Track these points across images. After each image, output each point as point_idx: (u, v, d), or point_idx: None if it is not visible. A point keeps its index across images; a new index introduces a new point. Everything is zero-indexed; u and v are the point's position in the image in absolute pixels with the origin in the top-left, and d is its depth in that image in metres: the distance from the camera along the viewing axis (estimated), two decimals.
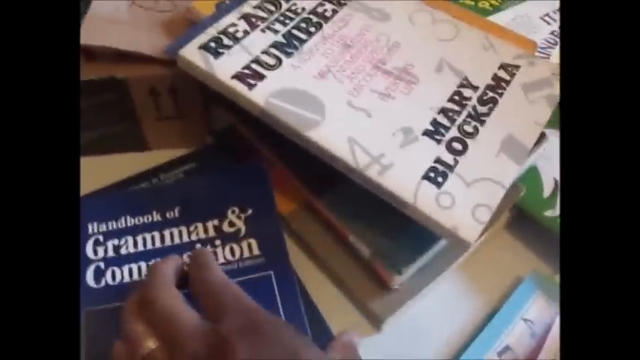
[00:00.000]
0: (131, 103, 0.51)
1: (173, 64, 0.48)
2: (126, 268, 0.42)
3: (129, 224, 0.44)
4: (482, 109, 0.45)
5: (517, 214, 0.50)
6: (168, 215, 0.45)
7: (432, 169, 0.41)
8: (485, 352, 0.43)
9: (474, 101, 0.45)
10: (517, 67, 0.48)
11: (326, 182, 0.46)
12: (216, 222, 0.45)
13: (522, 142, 0.44)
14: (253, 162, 0.50)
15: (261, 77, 0.44)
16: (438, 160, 0.42)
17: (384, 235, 0.44)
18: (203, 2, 0.51)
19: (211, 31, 0.47)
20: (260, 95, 0.43)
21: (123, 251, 0.43)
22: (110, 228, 0.44)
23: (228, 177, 0.47)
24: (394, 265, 0.43)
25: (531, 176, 0.50)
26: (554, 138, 0.48)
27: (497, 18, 0.56)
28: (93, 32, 0.50)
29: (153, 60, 0.49)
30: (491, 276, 0.48)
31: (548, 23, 0.58)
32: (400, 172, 0.41)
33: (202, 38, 0.46)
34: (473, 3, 0.58)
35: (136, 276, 0.42)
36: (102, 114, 0.51)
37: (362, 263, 0.45)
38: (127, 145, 0.54)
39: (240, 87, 0.44)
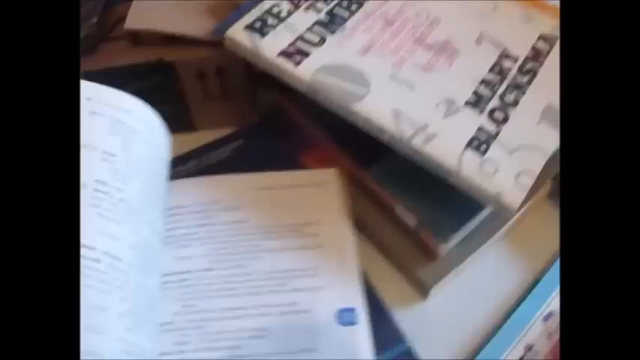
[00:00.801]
0: (179, 86, 0.52)
1: (219, 46, 0.50)
2: None
3: None
4: (522, 80, 0.46)
5: (559, 185, 0.51)
6: None
7: (475, 137, 0.42)
8: (530, 317, 0.44)
9: (514, 72, 0.46)
10: (556, 37, 0.48)
11: (371, 155, 0.47)
12: None
13: None
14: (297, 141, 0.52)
15: (306, 54, 0.46)
16: (480, 129, 0.43)
17: (430, 204, 0.45)
18: None
19: (256, 12, 0.49)
20: (306, 71, 0.45)
21: None
22: None
23: None
24: (440, 233, 0.44)
25: None
26: None
27: None
28: (139, 17, 0.52)
29: (199, 42, 0.51)
30: (534, 245, 0.49)
31: None
32: (444, 141, 0.42)
33: (247, 19, 0.48)
34: None
35: None
36: (150, 97, 0.53)
37: (408, 232, 0.46)
38: (174, 126, 0.55)
39: (286, 64, 0.45)
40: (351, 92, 0.44)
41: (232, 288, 0.42)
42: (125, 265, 0.36)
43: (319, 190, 0.47)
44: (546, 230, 0.49)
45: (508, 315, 0.45)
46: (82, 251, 0.34)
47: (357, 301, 0.42)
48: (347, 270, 0.43)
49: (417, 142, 0.42)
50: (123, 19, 0.54)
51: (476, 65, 0.46)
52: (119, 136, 0.40)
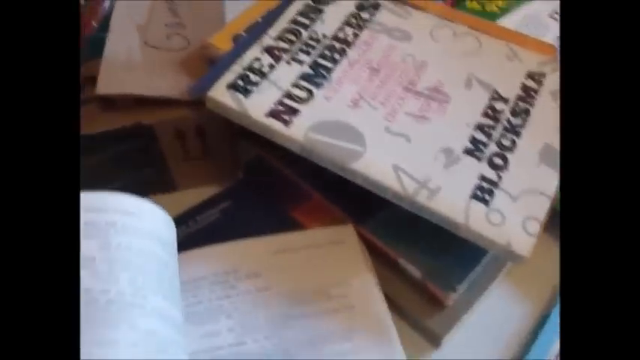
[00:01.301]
0: (158, 147, 0.50)
1: (197, 105, 0.48)
2: None
3: None
4: (516, 121, 0.45)
5: (554, 215, 0.51)
6: None
7: (478, 187, 0.41)
8: (545, 356, 0.44)
9: (507, 114, 0.46)
10: (543, 74, 0.48)
11: (366, 208, 0.46)
12: None
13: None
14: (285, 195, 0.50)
15: (295, 112, 0.44)
16: (482, 178, 0.42)
17: (433, 254, 0.44)
18: (218, 37, 0.50)
19: (236, 69, 0.46)
20: (298, 131, 0.43)
21: None
22: None
23: None
24: (448, 283, 0.43)
25: None
26: None
27: (508, 21, 0.57)
28: (110, 81, 0.49)
29: (175, 102, 0.48)
30: (536, 279, 0.48)
31: (557, 20, 0.58)
32: (448, 194, 0.41)
33: (229, 77, 0.46)
34: (480, 7, 0.59)
35: None
36: (128, 161, 0.51)
37: (414, 284, 0.45)
38: (154, 188, 0.53)
39: (276, 125, 0.44)
40: (348, 150, 0.42)
41: None
42: None
43: (339, 248, 0.45)
44: (544, 261, 0.49)
45: (525, 353, 0.45)
46: None
47: None
48: (384, 330, 0.42)
49: (422, 198, 0.41)
50: (89, 79, 0.51)
51: (468, 110, 0.45)
52: (94, 238, 0.37)
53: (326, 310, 0.42)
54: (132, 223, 0.39)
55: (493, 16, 0.58)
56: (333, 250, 0.46)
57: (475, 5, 0.59)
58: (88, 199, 0.39)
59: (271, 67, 0.47)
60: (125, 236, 0.39)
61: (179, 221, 0.49)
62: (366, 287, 0.44)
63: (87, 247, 0.37)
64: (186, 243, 0.46)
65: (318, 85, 0.46)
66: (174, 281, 0.40)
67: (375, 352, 0.41)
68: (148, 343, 0.36)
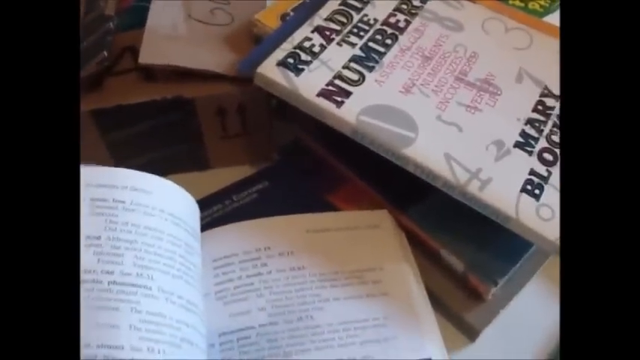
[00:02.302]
0: (196, 123, 0.49)
1: (240, 82, 0.47)
2: None
3: None
4: None
5: None
6: None
7: (528, 181, 0.41)
8: None
9: (557, 110, 0.45)
10: None
11: (407, 196, 0.46)
12: None
13: None
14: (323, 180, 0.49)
15: (347, 94, 0.43)
16: (532, 172, 0.41)
17: (476, 246, 0.43)
18: (265, 14, 0.50)
19: (286, 47, 0.46)
20: (349, 113, 0.42)
21: None
22: None
23: None
24: (489, 276, 0.43)
25: None
26: None
27: (552, 20, 0.57)
28: (153, 51, 0.47)
29: (218, 77, 0.47)
30: None
31: None
32: (499, 186, 0.41)
33: (278, 54, 0.45)
34: (523, 5, 0.59)
35: None
36: (162, 135, 0.49)
37: (454, 276, 0.45)
38: (186, 165, 0.52)
39: (327, 105, 0.43)
40: (400, 135, 0.42)
41: (300, 343, 0.39)
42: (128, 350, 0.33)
43: (374, 232, 0.44)
44: None
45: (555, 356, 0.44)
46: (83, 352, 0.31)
47: (437, 353, 0.40)
48: (420, 318, 0.41)
49: (473, 188, 0.40)
50: (128, 49, 0.50)
51: (519, 104, 0.45)
52: (101, 216, 0.36)
53: (359, 295, 0.41)
54: (143, 201, 0.38)
55: (536, 14, 0.57)
56: (369, 234, 0.45)
57: (517, 3, 0.59)
58: (97, 173, 0.38)
59: (322, 47, 0.46)
60: (134, 214, 0.37)
61: (215, 199, 0.48)
62: (402, 275, 0.43)
63: (93, 225, 0.35)
64: (221, 221, 0.45)
65: (369, 69, 0.45)
66: (190, 260, 0.39)
67: (410, 340, 0.40)
68: (151, 326, 0.34)
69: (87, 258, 0.34)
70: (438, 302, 0.45)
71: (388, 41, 0.47)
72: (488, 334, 0.45)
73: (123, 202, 0.37)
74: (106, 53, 0.46)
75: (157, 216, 0.38)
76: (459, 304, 0.45)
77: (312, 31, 0.47)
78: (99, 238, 0.35)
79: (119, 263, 0.35)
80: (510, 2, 0.58)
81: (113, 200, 0.37)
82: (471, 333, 0.44)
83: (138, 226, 0.37)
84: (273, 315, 0.40)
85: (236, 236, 0.43)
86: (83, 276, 0.33)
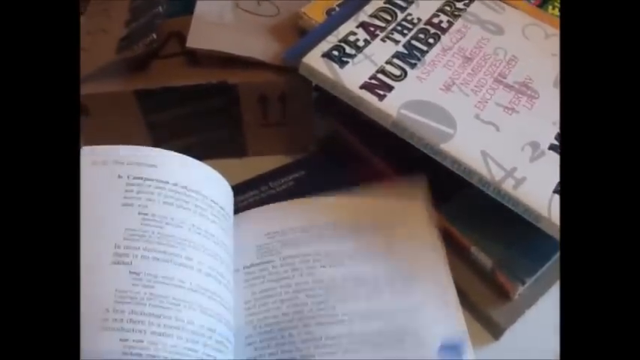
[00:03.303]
0: (237, 109, 0.50)
1: (283, 71, 0.48)
2: None
3: None
4: None
5: None
6: None
7: None
8: None
9: None
10: None
11: (442, 192, 0.47)
12: None
13: None
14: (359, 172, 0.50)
15: (390, 88, 0.45)
16: None
17: (506, 245, 0.44)
18: (311, 8, 0.51)
19: (331, 39, 0.47)
20: (391, 106, 0.44)
21: None
22: None
23: None
24: (518, 275, 0.44)
25: None
26: None
27: None
28: (200, 36, 0.49)
29: (261, 66, 0.49)
30: None
31: None
32: (533, 186, 0.41)
33: (324, 46, 0.46)
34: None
35: None
36: (202, 120, 0.51)
37: (483, 273, 0.45)
38: (224, 151, 0.53)
39: (369, 97, 0.44)
40: (439, 131, 0.43)
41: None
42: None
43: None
44: None
45: None
46: None
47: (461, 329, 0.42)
48: (447, 298, 0.43)
49: (507, 186, 0.41)
50: (174, 35, 0.52)
51: (555, 109, 0.46)
52: (114, 192, 0.38)
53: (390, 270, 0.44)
54: (151, 175, 0.40)
55: None
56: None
57: (556, 12, 0.60)
58: (136, 152, 0.40)
59: (366, 42, 0.47)
60: (157, 195, 0.39)
61: (251, 185, 0.49)
62: (431, 257, 0.45)
63: (108, 200, 0.37)
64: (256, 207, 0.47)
65: (411, 65, 0.46)
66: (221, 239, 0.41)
67: (436, 312, 0.42)
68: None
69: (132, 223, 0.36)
70: (465, 299, 0.46)
71: (431, 40, 0.49)
72: (512, 333, 0.46)
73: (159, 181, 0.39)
74: (154, 35, 0.48)
75: (179, 190, 0.40)
76: (486, 301, 0.45)
77: (357, 27, 0.48)
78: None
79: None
80: (550, 11, 0.59)
81: (148, 180, 0.39)
82: (495, 331, 0.45)
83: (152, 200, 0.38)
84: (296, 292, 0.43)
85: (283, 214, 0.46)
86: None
